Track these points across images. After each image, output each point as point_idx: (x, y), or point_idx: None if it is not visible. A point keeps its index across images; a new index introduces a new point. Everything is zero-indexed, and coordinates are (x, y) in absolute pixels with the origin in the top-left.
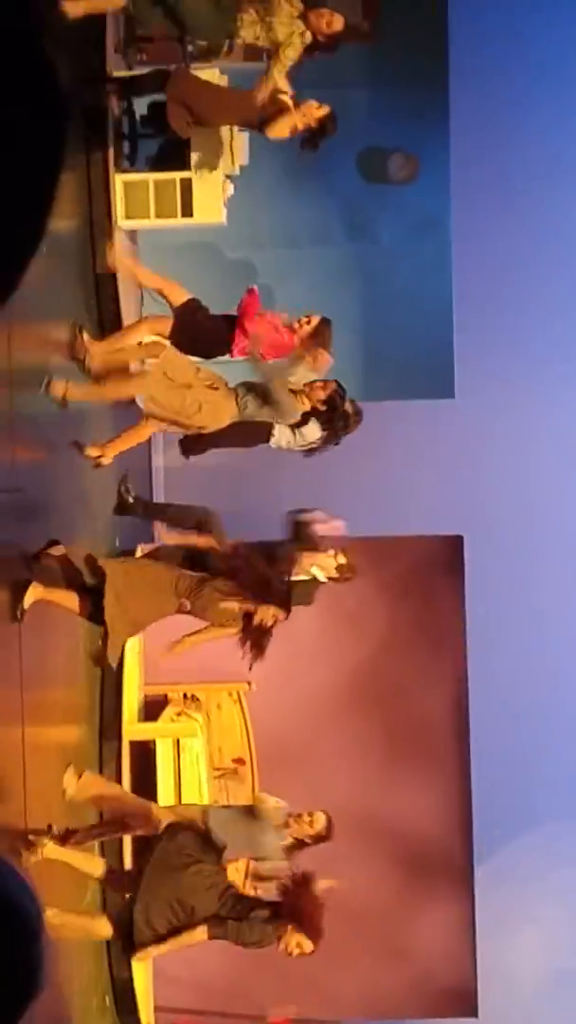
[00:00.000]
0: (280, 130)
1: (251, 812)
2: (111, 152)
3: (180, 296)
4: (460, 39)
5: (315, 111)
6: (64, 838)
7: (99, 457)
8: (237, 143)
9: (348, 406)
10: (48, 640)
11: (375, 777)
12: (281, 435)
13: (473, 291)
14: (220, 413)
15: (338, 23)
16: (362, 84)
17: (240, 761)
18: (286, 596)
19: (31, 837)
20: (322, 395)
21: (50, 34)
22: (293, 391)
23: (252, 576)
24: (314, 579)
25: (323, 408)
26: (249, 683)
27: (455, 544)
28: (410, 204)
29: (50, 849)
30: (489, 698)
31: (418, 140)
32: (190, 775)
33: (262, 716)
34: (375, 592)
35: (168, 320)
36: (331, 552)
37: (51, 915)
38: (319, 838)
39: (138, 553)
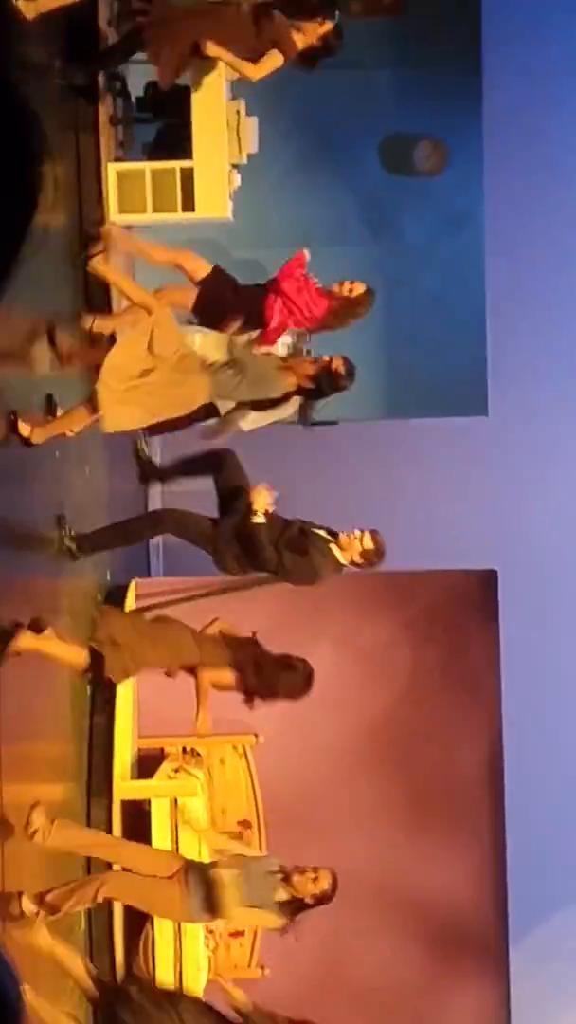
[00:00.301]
0: (262, 70)
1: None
2: (103, 139)
3: (202, 268)
4: (494, 15)
5: (318, 28)
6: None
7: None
8: (244, 128)
9: (341, 365)
10: (30, 687)
11: (398, 842)
12: (247, 418)
13: (509, 295)
14: (192, 395)
15: None
16: (385, 63)
17: (246, 824)
18: (297, 687)
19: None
20: (311, 371)
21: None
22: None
23: (256, 678)
24: (334, 558)
25: (310, 386)
26: (256, 735)
27: (488, 579)
28: (438, 198)
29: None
30: (527, 753)
31: (447, 126)
32: (189, 839)
33: (271, 773)
34: (399, 633)
35: (187, 291)
36: (355, 534)
37: (31, 997)
38: (321, 898)
39: (131, 590)
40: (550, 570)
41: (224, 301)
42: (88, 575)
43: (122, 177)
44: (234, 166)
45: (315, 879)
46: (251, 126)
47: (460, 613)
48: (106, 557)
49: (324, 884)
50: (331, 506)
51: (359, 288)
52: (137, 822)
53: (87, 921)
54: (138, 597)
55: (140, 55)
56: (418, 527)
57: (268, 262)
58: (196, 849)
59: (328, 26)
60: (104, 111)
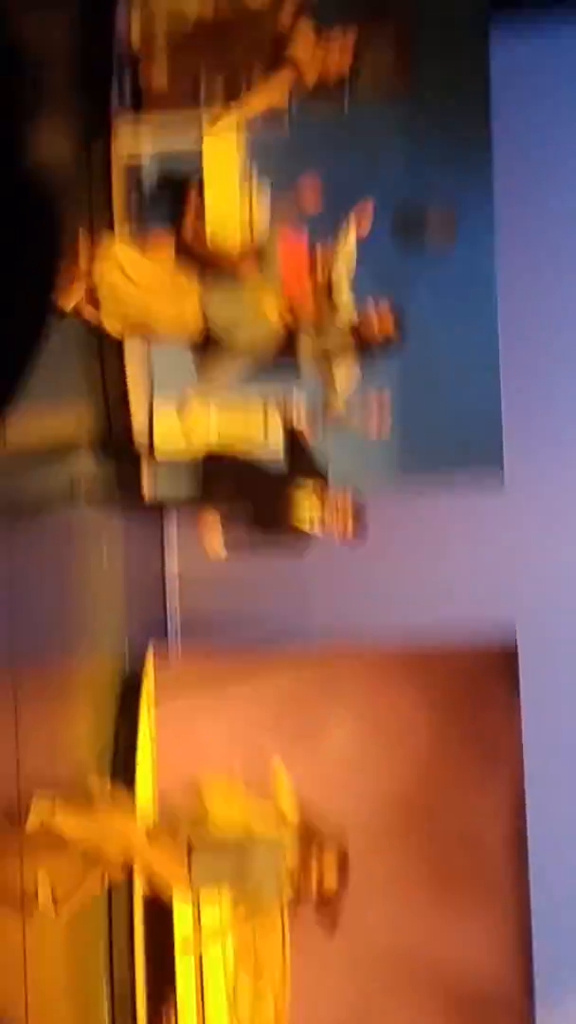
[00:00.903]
0: None
1: (242, 841)
2: (117, 232)
3: None
4: (503, 82)
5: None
6: None
7: None
8: (257, 200)
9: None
10: (49, 763)
11: (420, 917)
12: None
13: (522, 364)
14: (179, 300)
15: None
16: (393, 130)
17: None
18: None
19: None
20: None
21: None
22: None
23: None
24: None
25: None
26: None
27: (508, 652)
28: (450, 268)
29: None
30: (551, 826)
31: (457, 195)
32: (210, 919)
33: None
34: (417, 707)
35: None
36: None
37: None
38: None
39: (149, 660)
40: (571, 643)
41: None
42: (105, 647)
43: None
44: None
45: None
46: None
47: (480, 685)
48: (123, 628)
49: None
50: (342, 583)
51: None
52: (157, 908)
53: (109, 986)
54: (156, 668)
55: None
56: (435, 598)
57: None
58: (221, 935)
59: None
60: (119, 204)
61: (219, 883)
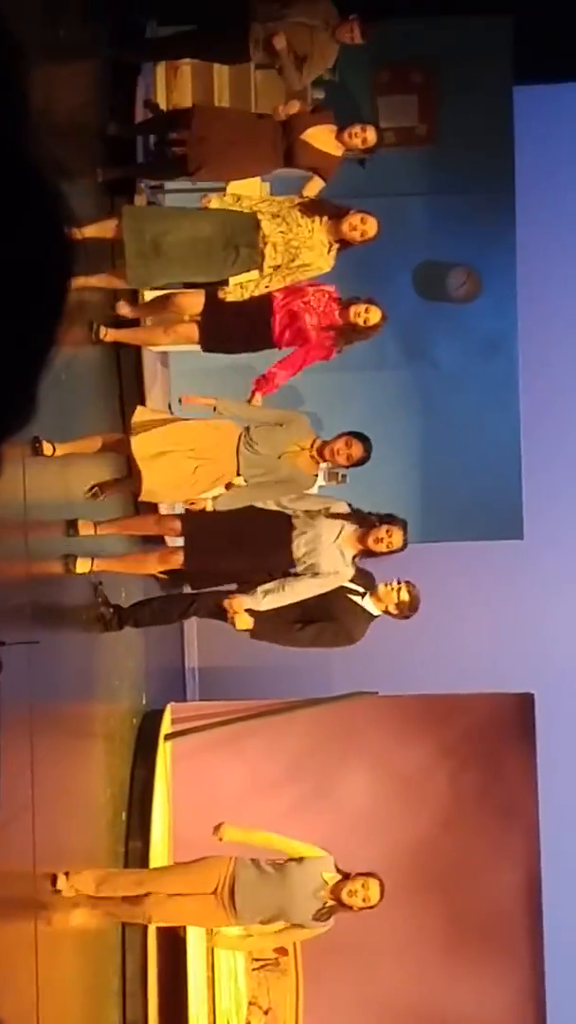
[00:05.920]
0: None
1: (285, 871)
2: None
3: (196, 303)
4: (527, 143)
5: (361, 132)
6: None
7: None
8: None
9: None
10: (65, 810)
11: (435, 970)
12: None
13: (543, 420)
14: (218, 466)
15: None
16: (418, 191)
17: (282, 951)
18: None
19: None
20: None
21: None
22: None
23: None
24: (364, 612)
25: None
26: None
27: (525, 703)
28: (472, 325)
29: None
30: (565, 878)
31: (480, 253)
32: (225, 967)
33: None
34: (435, 758)
35: (191, 325)
36: (392, 585)
37: None
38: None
39: (167, 713)
40: None
41: (227, 325)
42: (123, 699)
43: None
44: None
45: (365, 897)
46: None
47: (497, 737)
48: (141, 681)
49: (373, 897)
50: (363, 658)
51: (375, 316)
52: (172, 948)
53: (122, 1005)
54: (174, 721)
55: None
56: (454, 651)
57: (305, 388)
58: (233, 981)
59: (370, 132)
60: None
61: (264, 913)
